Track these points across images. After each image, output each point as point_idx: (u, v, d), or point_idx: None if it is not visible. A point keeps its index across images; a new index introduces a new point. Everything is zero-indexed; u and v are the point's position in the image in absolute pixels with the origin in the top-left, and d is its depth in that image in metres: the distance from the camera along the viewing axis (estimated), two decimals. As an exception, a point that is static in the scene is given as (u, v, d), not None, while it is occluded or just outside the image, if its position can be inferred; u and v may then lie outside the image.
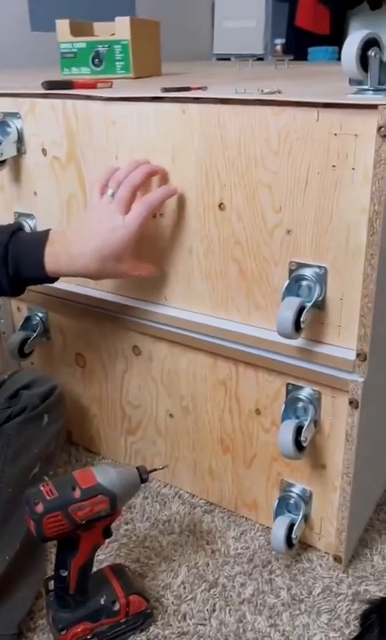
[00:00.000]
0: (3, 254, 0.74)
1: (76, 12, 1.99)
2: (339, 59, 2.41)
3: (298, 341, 0.74)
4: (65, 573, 0.69)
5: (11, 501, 0.77)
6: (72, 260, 0.74)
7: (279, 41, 2.36)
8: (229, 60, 2.50)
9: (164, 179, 0.80)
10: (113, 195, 0.76)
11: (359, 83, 0.66)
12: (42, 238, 0.75)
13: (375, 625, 0.71)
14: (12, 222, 0.82)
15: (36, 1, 1.94)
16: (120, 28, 1.05)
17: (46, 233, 0.76)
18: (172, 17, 2.40)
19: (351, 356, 0.71)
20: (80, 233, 0.76)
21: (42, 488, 0.66)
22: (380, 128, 0.61)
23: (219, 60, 2.66)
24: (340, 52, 2.33)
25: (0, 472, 0.78)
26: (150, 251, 0.85)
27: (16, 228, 0.76)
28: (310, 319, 0.72)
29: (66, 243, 0.75)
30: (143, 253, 0.86)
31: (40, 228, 0.91)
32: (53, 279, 0.77)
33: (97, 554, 0.72)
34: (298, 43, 2.49)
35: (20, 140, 0.92)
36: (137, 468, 0.71)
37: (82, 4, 2.07)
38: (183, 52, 2.46)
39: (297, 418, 0.78)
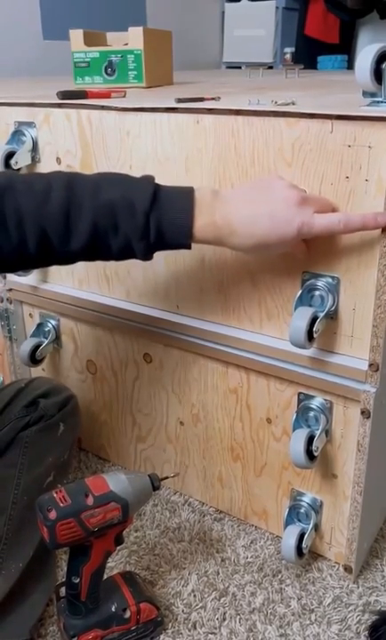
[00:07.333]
0: (143, 224, 0.63)
1: (88, 21, 2.02)
2: (348, 67, 2.42)
3: (310, 351, 0.75)
4: (77, 580, 0.69)
5: (26, 509, 0.77)
6: (232, 236, 0.65)
7: (289, 49, 2.38)
8: (239, 68, 2.51)
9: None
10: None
11: (373, 95, 0.67)
12: (189, 204, 0.64)
13: (384, 637, 0.71)
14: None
15: (48, 10, 1.96)
16: (133, 38, 1.06)
17: (191, 196, 0.64)
18: (182, 25, 2.43)
19: (364, 366, 0.72)
20: (251, 212, 0.64)
21: (55, 495, 0.67)
22: (394, 140, 0.62)
23: (229, 68, 2.67)
24: (349, 61, 2.34)
25: (16, 480, 0.79)
26: (163, 260, 0.86)
27: (155, 187, 0.64)
28: (323, 329, 0.72)
29: (228, 218, 0.64)
30: (156, 262, 0.86)
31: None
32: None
33: (107, 561, 0.72)
34: (307, 51, 2.51)
35: (35, 148, 0.93)
36: (149, 475, 0.71)
37: (93, 14, 2.09)
38: (193, 60, 2.48)
39: (308, 427, 0.78)
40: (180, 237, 0.65)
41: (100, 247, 0.65)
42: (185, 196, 0.64)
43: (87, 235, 0.64)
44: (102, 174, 0.68)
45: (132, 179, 0.66)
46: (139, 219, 0.63)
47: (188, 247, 0.66)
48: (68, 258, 0.67)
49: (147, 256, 0.67)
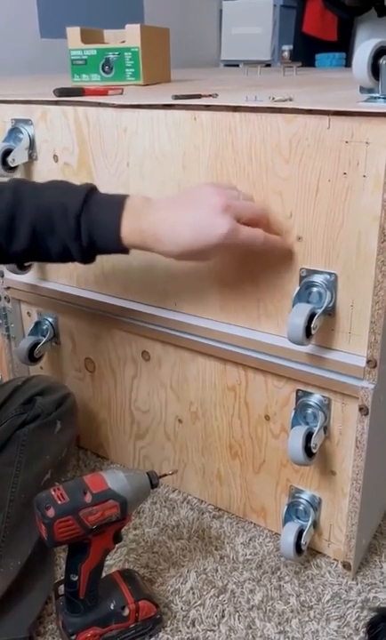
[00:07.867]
0: (75, 226, 0.67)
1: (85, 19, 2.01)
2: (346, 65, 2.41)
3: (308, 348, 0.74)
4: (75, 578, 0.69)
5: (24, 507, 0.77)
6: (158, 244, 0.67)
7: (287, 47, 2.37)
8: (237, 66, 2.51)
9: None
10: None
11: (370, 91, 0.67)
12: (117, 211, 0.67)
13: (382, 634, 0.71)
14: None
15: (45, 8, 1.96)
16: (130, 36, 1.06)
17: (122, 202, 0.67)
18: (180, 23, 2.42)
19: (361, 362, 0.71)
20: (175, 219, 0.66)
21: (53, 492, 0.67)
22: (391, 136, 0.62)
23: (227, 66, 2.67)
24: (347, 59, 2.34)
25: (14, 478, 0.79)
26: (160, 257, 0.85)
27: (88, 192, 0.68)
28: (321, 325, 0.72)
29: (153, 225, 0.66)
30: (153, 259, 0.86)
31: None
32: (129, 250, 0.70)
33: (106, 559, 0.72)
34: (305, 49, 2.50)
35: (32, 146, 0.93)
36: (147, 473, 0.71)
37: (91, 11, 2.09)
38: (191, 58, 2.48)
39: (307, 424, 0.78)
40: (109, 242, 0.68)
41: (40, 248, 0.70)
42: (115, 203, 0.68)
43: (28, 236, 0.69)
44: (50, 181, 0.73)
45: (72, 185, 0.71)
46: (70, 221, 0.67)
47: (124, 252, 0.69)
48: (15, 258, 0.72)
49: (85, 259, 0.70)
